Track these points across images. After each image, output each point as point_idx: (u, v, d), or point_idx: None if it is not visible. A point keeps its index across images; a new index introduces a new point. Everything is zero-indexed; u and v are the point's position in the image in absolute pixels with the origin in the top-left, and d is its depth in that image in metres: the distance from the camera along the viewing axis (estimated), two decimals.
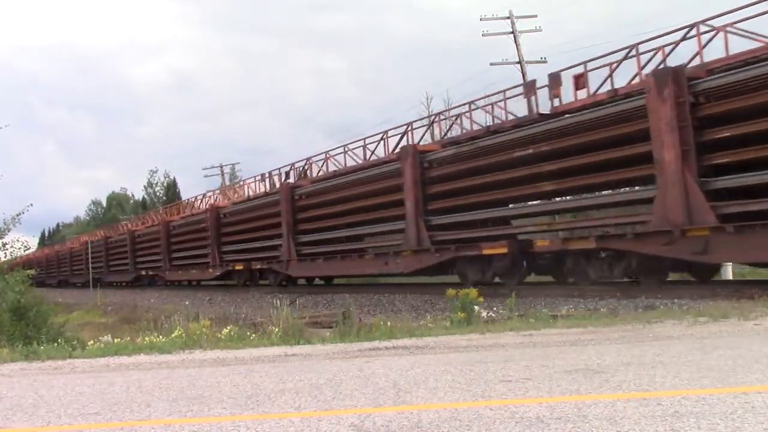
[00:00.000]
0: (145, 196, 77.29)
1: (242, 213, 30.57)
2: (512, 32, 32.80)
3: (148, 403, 4.72)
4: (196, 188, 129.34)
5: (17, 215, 15.86)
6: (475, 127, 18.51)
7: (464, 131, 18.85)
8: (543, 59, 32.87)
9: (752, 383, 4.34)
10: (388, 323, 9.62)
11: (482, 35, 33.02)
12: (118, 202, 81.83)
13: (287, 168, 27.69)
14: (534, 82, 16.90)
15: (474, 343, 7.31)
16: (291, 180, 27.14)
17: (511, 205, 18.52)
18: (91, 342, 9.51)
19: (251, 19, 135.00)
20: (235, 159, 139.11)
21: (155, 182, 76.53)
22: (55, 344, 9.14)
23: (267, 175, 29.06)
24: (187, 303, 26.76)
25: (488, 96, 18.50)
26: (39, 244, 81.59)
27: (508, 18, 32.86)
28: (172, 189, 73.85)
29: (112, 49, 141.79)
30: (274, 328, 9.34)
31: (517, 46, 32.80)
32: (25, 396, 5.30)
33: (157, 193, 75.49)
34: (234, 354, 7.37)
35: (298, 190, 26.03)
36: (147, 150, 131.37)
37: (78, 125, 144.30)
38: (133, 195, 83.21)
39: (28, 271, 13.73)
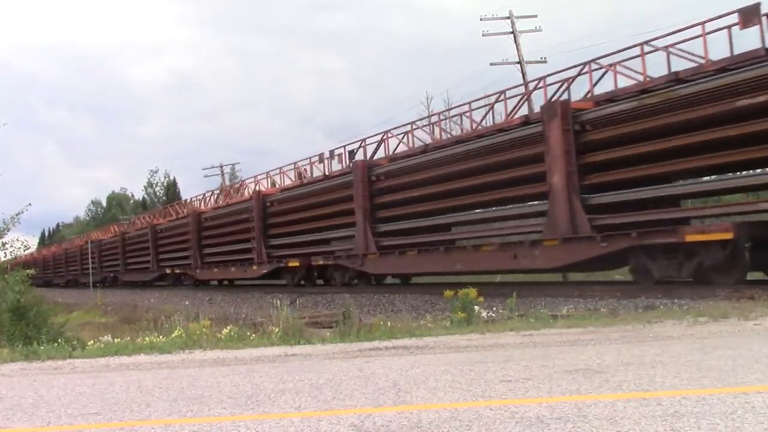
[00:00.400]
0: (145, 196, 77.49)
1: (297, 200, 26.01)
2: (512, 32, 32.76)
3: (148, 403, 4.72)
4: (196, 188, 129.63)
5: (16, 215, 15.90)
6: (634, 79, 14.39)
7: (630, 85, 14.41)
8: (543, 59, 32.87)
9: (752, 383, 4.34)
10: (388, 323, 9.63)
11: (482, 35, 33.00)
12: (118, 202, 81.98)
13: (354, 145, 23.03)
14: (757, 6, 12.11)
15: (474, 343, 7.31)
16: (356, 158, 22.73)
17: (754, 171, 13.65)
18: (91, 342, 9.51)
19: (251, 19, 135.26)
20: (235, 159, 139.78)
21: (155, 182, 76.72)
22: (55, 344, 9.15)
23: (327, 154, 24.34)
24: (187, 303, 26.75)
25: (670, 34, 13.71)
26: (39, 244, 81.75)
27: (508, 18, 32.83)
28: (172, 189, 73.98)
29: (112, 49, 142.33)
30: (274, 328, 9.34)
31: (517, 46, 32.77)
32: (25, 396, 5.30)
33: (157, 193, 75.62)
34: (234, 354, 7.37)
35: (377, 170, 21.45)
36: (147, 150, 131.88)
37: (78, 125, 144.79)
38: (133, 195, 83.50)
39: (28, 271, 13.73)
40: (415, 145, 20.50)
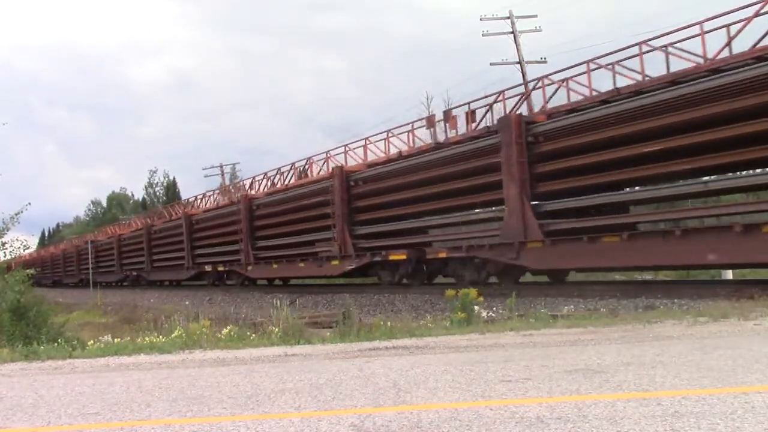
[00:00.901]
0: (145, 196, 77.38)
1: (397, 176, 20.37)
2: (512, 32, 32.80)
3: (148, 403, 4.72)
4: (196, 188, 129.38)
5: (16, 214, 15.93)
6: None
7: None
8: (543, 59, 32.89)
9: (752, 383, 4.34)
10: (388, 323, 9.64)
11: (482, 35, 33.04)
12: (118, 202, 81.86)
13: (480, 102, 17.76)
14: None
15: (474, 343, 7.31)
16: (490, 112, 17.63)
17: None
18: (91, 342, 9.52)
19: (251, 19, 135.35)
20: (235, 159, 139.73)
21: (155, 182, 76.65)
22: (55, 344, 9.15)
23: (441, 116, 19.00)
24: (187, 303, 26.77)
25: None
26: (39, 244, 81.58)
27: (508, 18, 32.87)
28: (172, 189, 73.90)
29: (112, 49, 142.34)
30: (274, 328, 9.34)
31: (517, 46, 32.81)
32: (25, 396, 5.30)
33: (157, 193, 75.56)
34: (234, 354, 7.37)
35: (538, 128, 16.11)
36: (147, 150, 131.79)
37: (78, 125, 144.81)
38: (133, 195, 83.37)
39: (28, 271, 13.75)
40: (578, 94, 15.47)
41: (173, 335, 9.07)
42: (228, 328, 9.88)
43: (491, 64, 33.33)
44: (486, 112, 18.00)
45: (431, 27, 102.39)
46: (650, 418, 3.51)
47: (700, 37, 13.19)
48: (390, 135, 21.48)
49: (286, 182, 26.86)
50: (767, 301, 9.59)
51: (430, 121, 19.42)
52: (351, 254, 21.72)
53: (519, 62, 32.75)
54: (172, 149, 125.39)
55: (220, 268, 31.42)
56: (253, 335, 9.19)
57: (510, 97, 17.26)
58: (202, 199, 36.10)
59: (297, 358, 6.92)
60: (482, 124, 18.08)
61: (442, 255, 18.63)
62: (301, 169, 26.19)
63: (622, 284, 15.03)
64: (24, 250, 17.58)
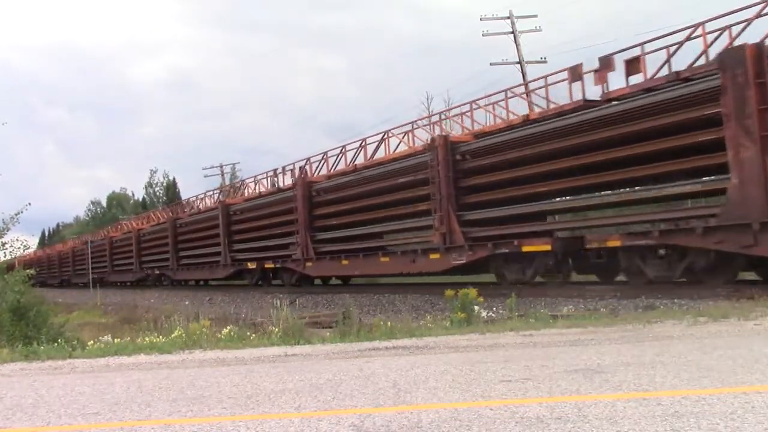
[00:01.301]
0: (145, 196, 77.41)
1: (526, 145, 15.83)
2: (512, 32, 32.83)
3: (148, 403, 4.72)
4: (196, 188, 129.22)
5: (16, 214, 15.94)
6: None
7: None
8: (543, 59, 32.91)
9: (752, 383, 4.34)
10: (388, 323, 9.64)
11: (482, 35, 33.08)
12: (118, 202, 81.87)
13: (652, 44, 13.14)
14: None
15: (474, 343, 7.31)
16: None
17: None
18: (91, 342, 9.52)
19: (251, 19, 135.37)
20: (235, 159, 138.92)
21: (155, 182, 76.69)
22: (55, 344, 9.16)
23: (583, 67, 14.49)
24: (186, 303, 26.77)
25: None
26: (39, 244, 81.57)
27: (508, 18, 32.90)
28: (172, 189, 73.94)
29: (112, 49, 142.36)
30: (274, 328, 9.35)
31: (517, 46, 32.83)
32: (25, 396, 5.30)
33: (157, 193, 75.60)
34: (234, 354, 7.37)
35: None
36: (147, 150, 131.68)
37: (78, 125, 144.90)
38: (133, 194, 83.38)
39: (28, 271, 13.77)
40: None
41: (173, 335, 9.08)
42: (228, 328, 9.89)
43: (491, 64, 33.38)
44: (675, 51, 12.90)
45: (431, 27, 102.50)
46: (650, 418, 3.51)
47: None
48: (509, 96, 17.06)
49: (353, 162, 22.22)
50: (767, 301, 9.59)
51: (576, 73, 14.70)
52: (461, 245, 16.82)
53: (519, 62, 32.78)
54: (172, 149, 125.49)
55: (269, 265, 26.40)
56: (253, 335, 9.20)
57: (711, 32, 12.23)
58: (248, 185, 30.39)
59: (297, 358, 6.92)
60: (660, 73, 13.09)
61: (615, 243, 13.57)
62: (375, 146, 21.53)
63: (622, 284, 15.01)
64: (24, 250, 17.59)
